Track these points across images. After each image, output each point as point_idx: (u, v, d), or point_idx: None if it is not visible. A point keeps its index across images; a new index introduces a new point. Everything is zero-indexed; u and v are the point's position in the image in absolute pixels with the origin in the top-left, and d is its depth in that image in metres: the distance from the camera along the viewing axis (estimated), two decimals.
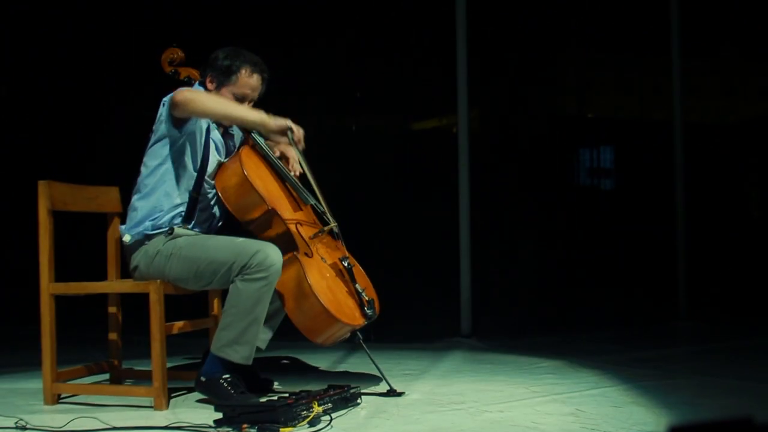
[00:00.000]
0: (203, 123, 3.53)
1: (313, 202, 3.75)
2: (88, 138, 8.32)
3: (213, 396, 3.38)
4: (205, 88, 3.61)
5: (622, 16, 9.70)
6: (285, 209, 3.62)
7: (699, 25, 8.42)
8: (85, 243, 4.78)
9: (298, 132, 3.50)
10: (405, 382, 3.85)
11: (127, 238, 3.52)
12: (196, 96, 3.42)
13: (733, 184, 10.45)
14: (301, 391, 3.24)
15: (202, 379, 3.42)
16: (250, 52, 3.64)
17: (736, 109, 11.14)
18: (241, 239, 3.44)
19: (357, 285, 3.65)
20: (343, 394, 3.27)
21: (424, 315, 6.69)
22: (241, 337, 3.35)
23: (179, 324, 3.71)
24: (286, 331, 3.79)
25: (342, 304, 3.55)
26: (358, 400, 3.38)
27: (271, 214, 3.55)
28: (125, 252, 3.60)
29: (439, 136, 10.26)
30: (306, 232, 3.65)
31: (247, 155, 3.65)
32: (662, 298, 7.11)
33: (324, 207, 3.73)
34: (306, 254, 3.56)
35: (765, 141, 10.21)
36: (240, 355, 3.38)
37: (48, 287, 3.50)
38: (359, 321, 3.59)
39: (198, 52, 3.76)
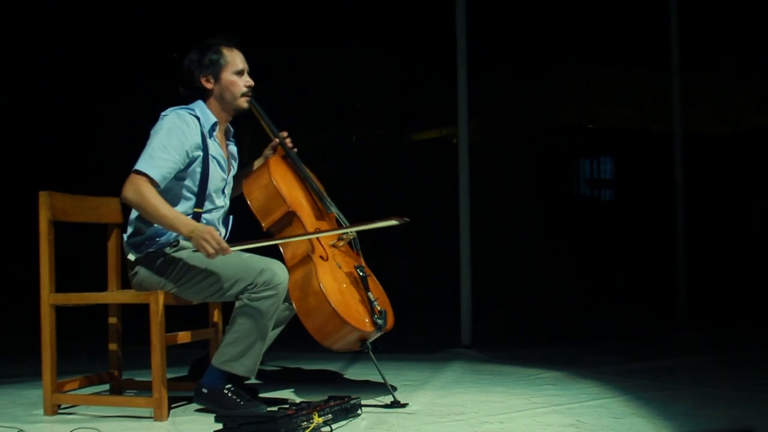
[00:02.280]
0: (200, 145, 3.51)
1: (335, 210, 3.81)
2: (88, 148, 8.33)
3: (218, 407, 3.37)
4: (205, 90, 3.61)
5: (622, 27, 9.73)
6: (306, 214, 3.70)
7: (699, 36, 8.44)
8: (86, 253, 4.78)
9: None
10: (405, 392, 3.84)
11: (131, 257, 3.52)
12: (141, 202, 3.38)
13: (733, 194, 10.46)
14: (302, 402, 3.24)
15: (204, 390, 3.42)
16: (211, 38, 3.66)
17: (735, 119, 11.15)
18: (247, 255, 3.43)
19: (370, 293, 3.67)
20: (343, 405, 3.27)
21: (424, 326, 6.69)
22: (247, 351, 3.37)
23: (180, 334, 3.71)
24: (287, 342, 3.79)
25: (352, 309, 3.56)
26: (359, 411, 3.38)
27: (291, 217, 3.64)
28: (129, 262, 3.61)
29: (439, 146, 10.28)
30: (325, 240, 3.69)
31: (275, 162, 3.80)
32: (662, 309, 7.11)
33: (343, 218, 3.80)
34: (321, 257, 3.59)
35: (764, 151, 10.23)
36: (245, 368, 3.39)
37: (48, 298, 3.50)
38: (369, 328, 3.59)
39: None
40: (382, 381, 3.64)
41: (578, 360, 4.94)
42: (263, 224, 3.67)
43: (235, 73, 3.61)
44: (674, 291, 6.56)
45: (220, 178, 3.60)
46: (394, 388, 3.66)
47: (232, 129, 3.76)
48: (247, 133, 4.15)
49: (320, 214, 3.81)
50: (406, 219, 3.48)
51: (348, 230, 3.73)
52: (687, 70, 6.81)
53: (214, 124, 3.58)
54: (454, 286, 5.74)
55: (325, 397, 3.35)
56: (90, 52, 8.22)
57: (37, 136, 8.28)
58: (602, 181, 10.95)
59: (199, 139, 3.50)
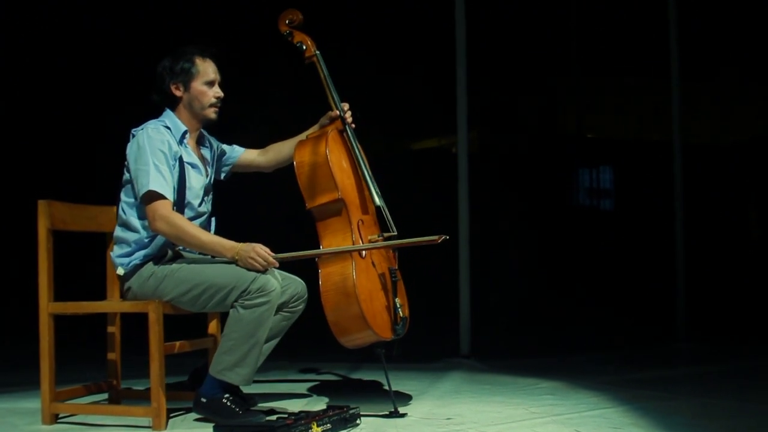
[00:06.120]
0: (174, 153, 3.49)
1: (381, 203, 3.72)
2: (87, 157, 8.33)
3: (216, 416, 3.37)
4: (174, 97, 3.60)
5: (622, 38, 9.75)
6: (353, 204, 3.63)
7: (698, 46, 8.46)
8: (85, 262, 4.78)
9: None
10: (404, 402, 3.84)
11: (120, 271, 3.51)
12: (178, 234, 3.39)
13: (733, 204, 10.45)
14: (301, 412, 3.24)
15: (203, 400, 3.41)
16: (185, 46, 3.64)
17: (735, 129, 11.16)
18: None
19: (397, 300, 3.64)
20: (342, 414, 3.27)
21: (422, 335, 6.66)
22: (242, 360, 3.36)
23: (178, 344, 3.71)
24: (285, 352, 3.79)
25: (377, 315, 3.54)
26: (357, 421, 3.38)
27: (339, 205, 3.58)
28: (119, 277, 3.60)
29: (438, 156, 10.26)
30: (366, 232, 3.64)
31: (334, 138, 3.69)
32: (661, 319, 7.10)
33: (388, 214, 3.72)
34: (359, 254, 3.55)
35: (764, 161, 10.23)
36: (241, 377, 3.38)
37: (47, 307, 3.49)
38: (388, 335, 3.59)
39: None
40: (384, 387, 3.64)
41: (577, 370, 4.94)
42: (307, 204, 3.59)
43: (206, 83, 3.59)
44: (673, 301, 6.55)
45: (198, 184, 3.59)
46: (392, 398, 3.65)
47: (205, 134, 3.75)
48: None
49: (365, 204, 3.73)
50: (446, 237, 3.43)
51: (386, 244, 3.64)
52: (686, 80, 6.81)
53: (185, 133, 3.58)
54: (453, 295, 5.74)
55: (324, 407, 3.35)
56: (91, 59, 8.23)
57: (36, 144, 8.28)
58: (601, 191, 10.94)
59: (175, 148, 3.51)
